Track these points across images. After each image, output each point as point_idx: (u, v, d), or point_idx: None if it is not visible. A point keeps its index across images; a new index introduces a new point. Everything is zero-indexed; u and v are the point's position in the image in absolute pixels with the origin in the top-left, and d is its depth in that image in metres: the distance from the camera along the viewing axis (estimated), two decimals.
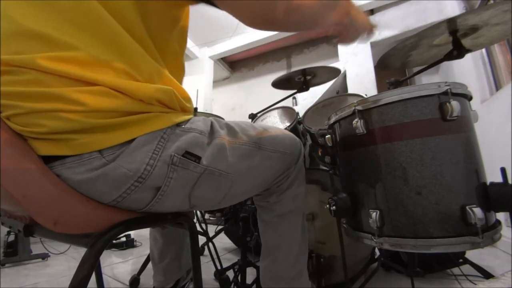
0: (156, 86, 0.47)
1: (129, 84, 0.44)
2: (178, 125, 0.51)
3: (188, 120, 0.53)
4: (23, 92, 0.41)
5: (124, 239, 1.89)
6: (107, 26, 0.44)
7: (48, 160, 0.43)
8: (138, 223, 0.51)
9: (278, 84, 1.40)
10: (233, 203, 0.72)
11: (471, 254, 1.13)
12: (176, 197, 0.52)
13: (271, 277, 0.73)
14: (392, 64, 0.89)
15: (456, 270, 1.13)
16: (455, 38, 0.72)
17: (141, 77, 0.46)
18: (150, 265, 0.96)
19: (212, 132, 0.56)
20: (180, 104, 0.53)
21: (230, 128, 0.61)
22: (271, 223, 0.74)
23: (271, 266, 0.73)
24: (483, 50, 1.99)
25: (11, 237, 1.59)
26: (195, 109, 1.60)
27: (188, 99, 0.56)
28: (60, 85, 0.41)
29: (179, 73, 0.60)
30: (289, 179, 0.72)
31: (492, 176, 0.64)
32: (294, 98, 1.58)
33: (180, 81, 0.60)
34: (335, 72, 1.32)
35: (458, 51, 0.72)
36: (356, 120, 0.66)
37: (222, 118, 0.80)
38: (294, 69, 4.18)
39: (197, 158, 0.50)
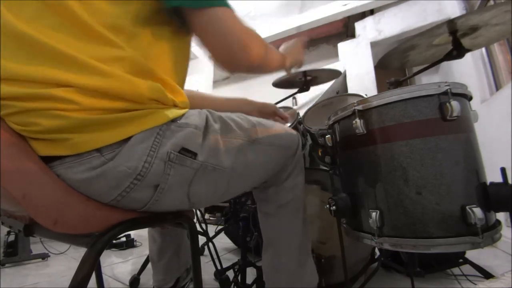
0: (145, 83, 0.46)
1: (117, 84, 0.43)
2: (173, 120, 0.50)
3: (183, 115, 0.52)
4: (15, 92, 0.41)
5: (124, 239, 1.89)
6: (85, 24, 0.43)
7: (48, 160, 0.43)
8: (138, 223, 0.51)
9: (279, 83, 1.40)
10: (232, 197, 0.74)
11: (471, 254, 1.13)
12: (175, 195, 0.51)
13: (273, 269, 0.73)
14: (392, 64, 0.89)
15: (456, 270, 1.13)
16: (455, 38, 0.72)
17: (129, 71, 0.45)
18: (150, 265, 0.96)
19: (207, 126, 0.55)
20: (173, 99, 0.51)
21: (224, 122, 0.59)
22: (272, 215, 0.73)
23: (273, 258, 0.73)
24: (483, 50, 1.99)
25: (11, 237, 1.59)
26: None
27: (178, 93, 0.54)
28: (50, 87, 0.41)
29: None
30: (287, 171, 0.72)
31: (492, 176, 0.64)
32: (294, 98, 1.57)
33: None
34: (335, 73, 1.32)
35: (457, 51, 0.73)
36: (356, 120, 0.66)
37: None
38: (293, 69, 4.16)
39: (193, 155, 0.50)
